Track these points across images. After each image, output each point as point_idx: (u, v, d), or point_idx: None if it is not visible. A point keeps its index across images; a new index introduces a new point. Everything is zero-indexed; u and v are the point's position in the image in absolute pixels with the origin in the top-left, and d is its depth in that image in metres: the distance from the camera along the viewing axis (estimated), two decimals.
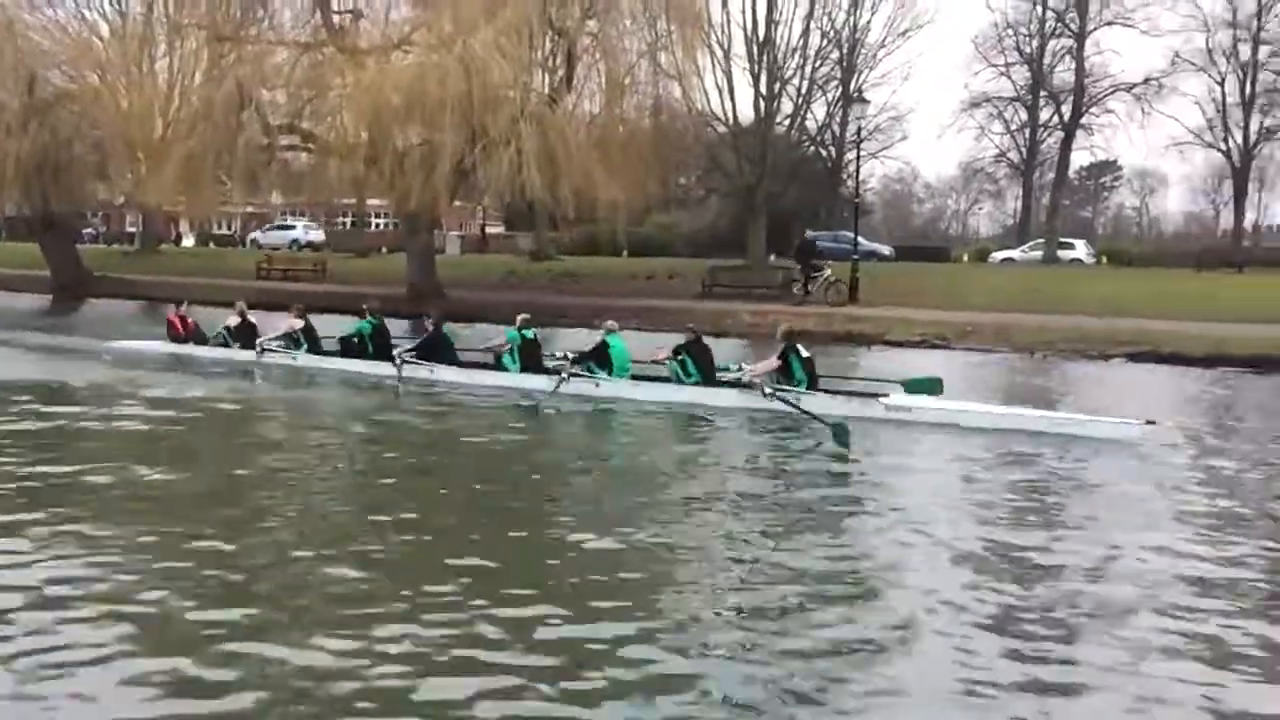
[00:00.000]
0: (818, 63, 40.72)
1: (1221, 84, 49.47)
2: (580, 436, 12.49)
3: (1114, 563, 7.06)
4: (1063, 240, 50.25)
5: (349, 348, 16.94)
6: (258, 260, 42.87)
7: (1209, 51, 48.71)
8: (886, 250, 49.88)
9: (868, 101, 38.39)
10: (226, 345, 17.96)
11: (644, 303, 28.49)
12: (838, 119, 47.54)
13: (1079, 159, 57.15)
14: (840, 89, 44.69)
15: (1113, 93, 49.40)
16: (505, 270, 39.43)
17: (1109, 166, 70.33)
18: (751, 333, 23.74)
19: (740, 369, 13.72)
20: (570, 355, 14.83)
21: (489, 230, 61.17)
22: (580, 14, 29.64)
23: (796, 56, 38.47)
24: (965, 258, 52.58)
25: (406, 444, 11.33)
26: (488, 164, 27.13)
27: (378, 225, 64.14)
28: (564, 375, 14.19)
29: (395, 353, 15.90)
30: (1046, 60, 50.34)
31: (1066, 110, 49.90)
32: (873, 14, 43.83)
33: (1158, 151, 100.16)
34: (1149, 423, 11.43)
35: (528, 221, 49.08)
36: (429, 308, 19.48)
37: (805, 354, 13.37)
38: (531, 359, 15.05)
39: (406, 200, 28.83)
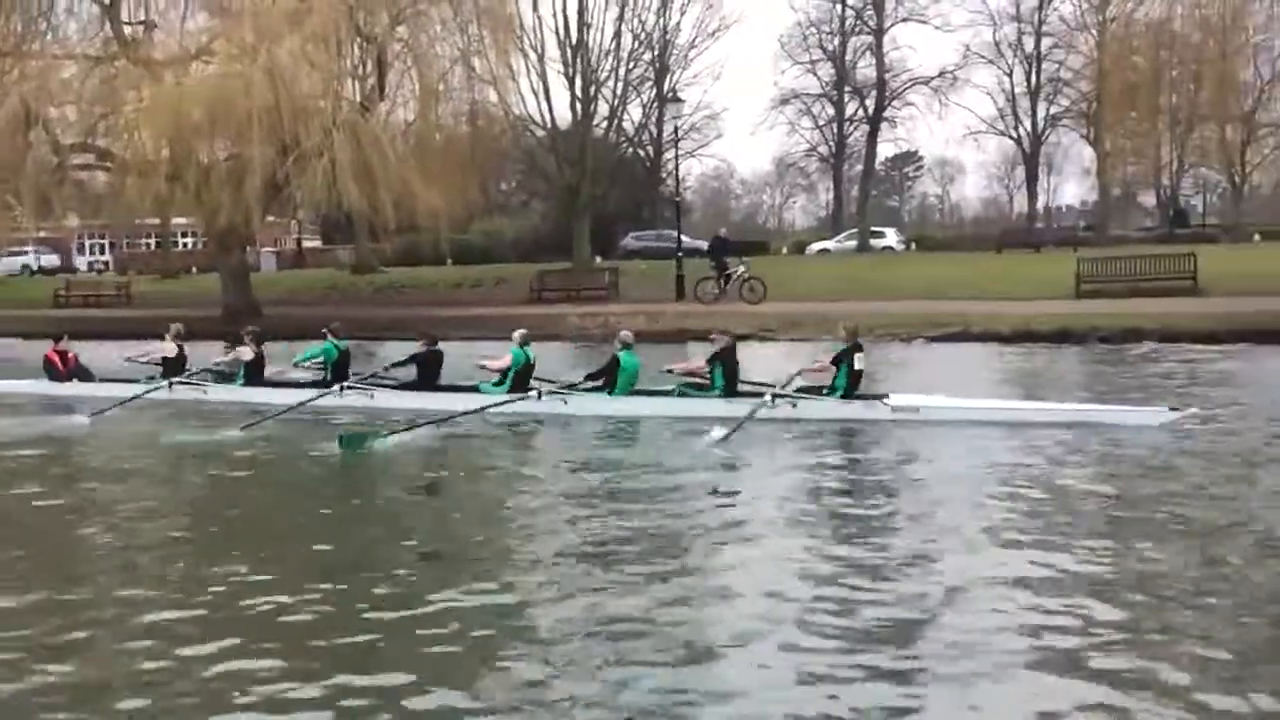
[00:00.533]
0: (631, 64, 41.18)
1: (1010, 75, 52.64)
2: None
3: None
4: (874, 229, 52.21)
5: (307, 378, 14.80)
6: (55, 287, 40.34)
7: (997, 45, 51.74)
8: (707, 247, 50.71)
9: (682, 101, 39.03)
10: (153, 381, 15.38)
11: (472, 311, 28.11)
12: (654, 119, 48.19)
13: (884, 150, 59.64)
14: (655, 89, 45.29)
15: (911, 86, 51.71)
16: (326, 285, 38.30)
17: (911, 157, 73.55)
18: (582, 335, 23.75)
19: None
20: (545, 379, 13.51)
21: (306, 245, 59.34)
22: (389, 20, 29.01)
23: (610, 58, 38.77)
24: (784, 250, 54.02)
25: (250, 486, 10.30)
26: (301, 176, 26.32)
27: (185, 245, 61.30)
28: (538, 394, 12.96)
29: (371, 375, 14.21)
30: (849, 57, 52.26)
31: (870, 104, 51.88)
32: (682, 15, 44.61)
33: (955, 141, 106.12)
34: (1172, 409, 11.13)
35: (347, 234, 47.84)
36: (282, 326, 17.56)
37: (859, 365, 12.30)
38: (525, 381, 13.46)
39: (216, 217, 27.64)
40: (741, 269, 27.92)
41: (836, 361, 12.26)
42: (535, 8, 36.00)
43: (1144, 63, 23.21)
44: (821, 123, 55.18)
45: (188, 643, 5.64)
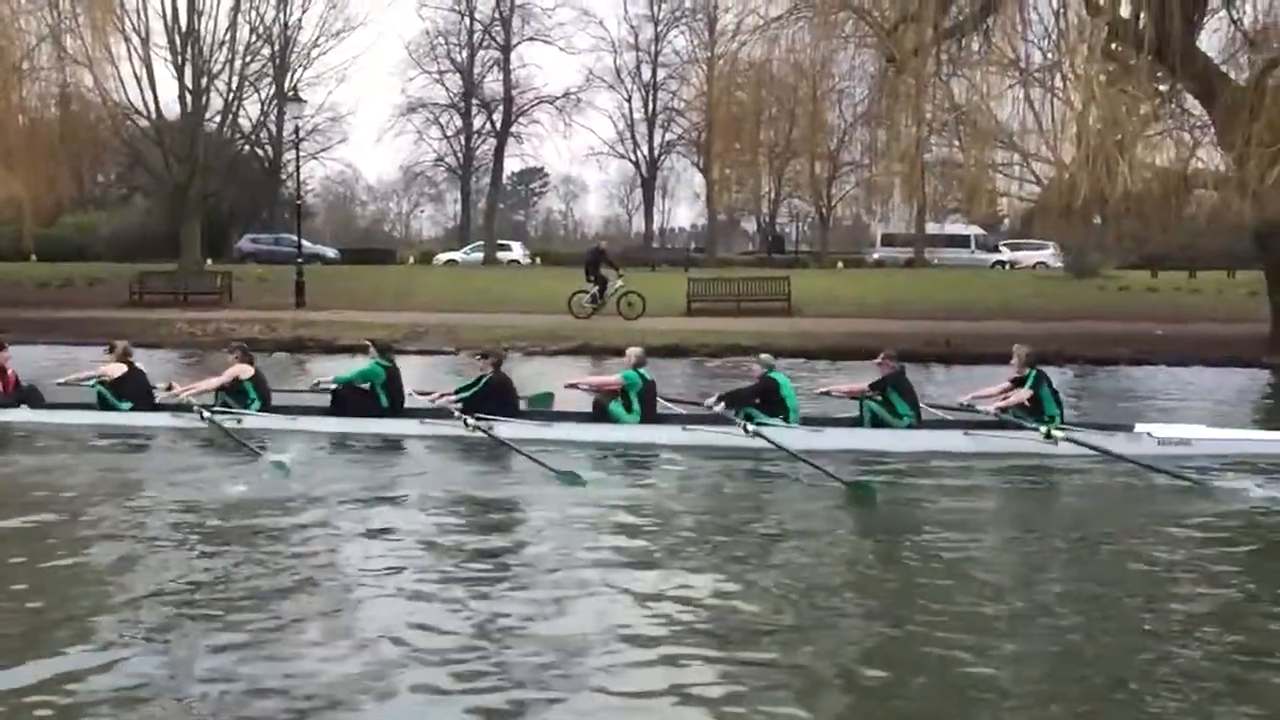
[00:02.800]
0: (248, 58, 39.26)
1: (629, 101, 55.27)
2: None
3: None
4: (501, 242, 52.94)
5: (347, 402, 11.84)
6: None
7: (618, 71, 54.24)
8: (331, 253, 49.28)
9: (304, 101, 37.58)
10: (107, 405, 11.92)
11: (60, 314, 25.53)
12: (273, 118, 46.04)
13: (511, 165, 60.73)
14: (275, 87, 43.32)
15: (537, 104, 53.02)
16: None
17: (537, 173, 75.15)
18: (191, 342, 22.19)
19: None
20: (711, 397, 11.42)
21: None
22: None
23: (224, 50, 36.79)
24: (411, 260, 53.42)
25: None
26: None
27: None
28: (725, 412, 10.95)
29: (453, 406, 11.34)
30: (477, 70, 52.69)
31: (498, 119, 52.59)
32: (304, 12, 43.02)
33: (579, 160, 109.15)
34: None
35: None
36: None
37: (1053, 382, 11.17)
38: (651, 406, 11.50)
39: None
40: (620, 283, 26.04)
41: (1035, 387, 10.93)
42: None
43: (747, 99, 25.06)
44: (450, 133, 55.21)
45: None
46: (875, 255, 49.35)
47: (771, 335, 22.01)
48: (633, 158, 57.33)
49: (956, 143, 22.32)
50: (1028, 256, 45.95)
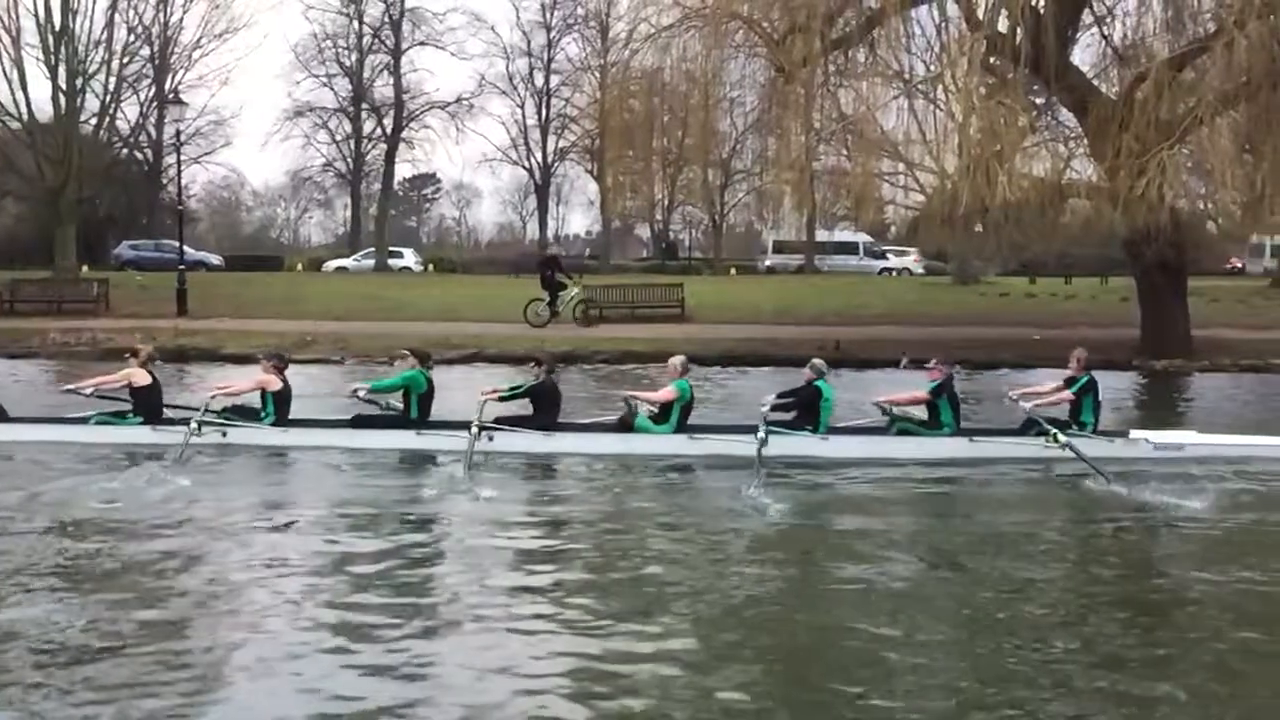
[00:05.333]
0: (126, 59, 38.05)
1: (522, 107, 55.01)
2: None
3: None
4: (392, 249, 52.16)
5: (375, 416, 11.43)
6: None
7: (510, 77, 53.91)
8: (216, 260, 47.90)
9: (185, 104, 36.55)
10: (112, 421, 11.36)
11: None
12: (153, 120, 44.65)
13: (402, 171, 59.85)
14: (154, 88, 42.04)
15: (429, 110, 52.41)
16: None
17: (429, 179, 74.18)
18: (65, 352, 21.32)
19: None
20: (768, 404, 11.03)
21: None
22: None
23: (101, 50, 35.52)
24: (300, 266, 52.24)
25: None
26: None
27: None
28: (763, 436, 10.26)
29: (474, 419, 10.71)
30: (366, 74, 51.89)
31: (388, 124, 51.84)
32: (185, 12, 41.86)
33: (472, 166, 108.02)
34: None
35: None
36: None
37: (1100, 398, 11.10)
38: (686, 419, 11.27)
39: None
40: (575, 290, 25.91)
41: (1080, 393, 11.03)
42: None
43: (639, 106, 25.18)
44: (339, 138, 54.16)
45: None
46: (767, 262, 50.07)
47: (666, 341, 22.06)
48: (526, 164, 57.11)
49: (844, 152, 22.76)
50: (897, 263, 49.60)
